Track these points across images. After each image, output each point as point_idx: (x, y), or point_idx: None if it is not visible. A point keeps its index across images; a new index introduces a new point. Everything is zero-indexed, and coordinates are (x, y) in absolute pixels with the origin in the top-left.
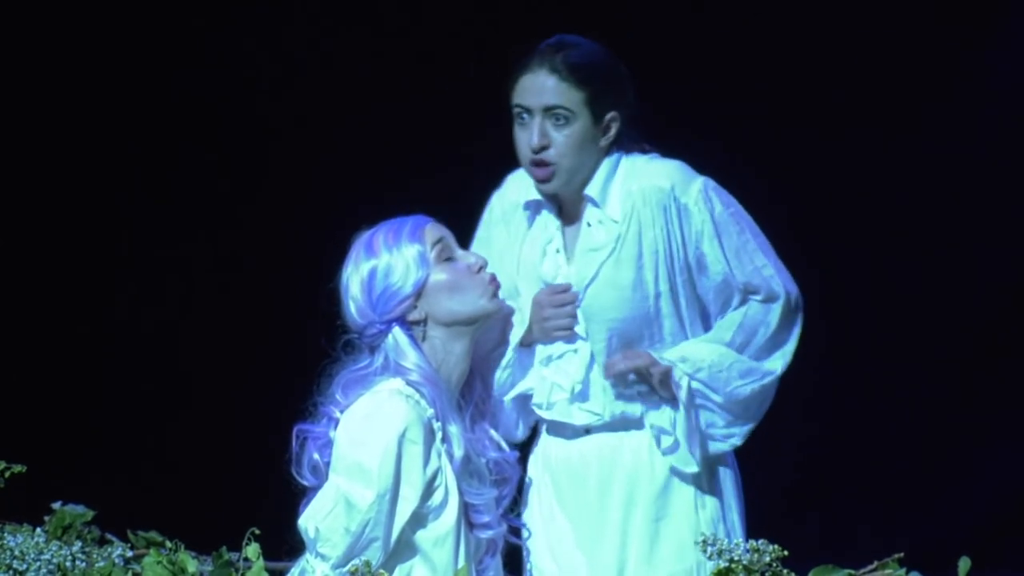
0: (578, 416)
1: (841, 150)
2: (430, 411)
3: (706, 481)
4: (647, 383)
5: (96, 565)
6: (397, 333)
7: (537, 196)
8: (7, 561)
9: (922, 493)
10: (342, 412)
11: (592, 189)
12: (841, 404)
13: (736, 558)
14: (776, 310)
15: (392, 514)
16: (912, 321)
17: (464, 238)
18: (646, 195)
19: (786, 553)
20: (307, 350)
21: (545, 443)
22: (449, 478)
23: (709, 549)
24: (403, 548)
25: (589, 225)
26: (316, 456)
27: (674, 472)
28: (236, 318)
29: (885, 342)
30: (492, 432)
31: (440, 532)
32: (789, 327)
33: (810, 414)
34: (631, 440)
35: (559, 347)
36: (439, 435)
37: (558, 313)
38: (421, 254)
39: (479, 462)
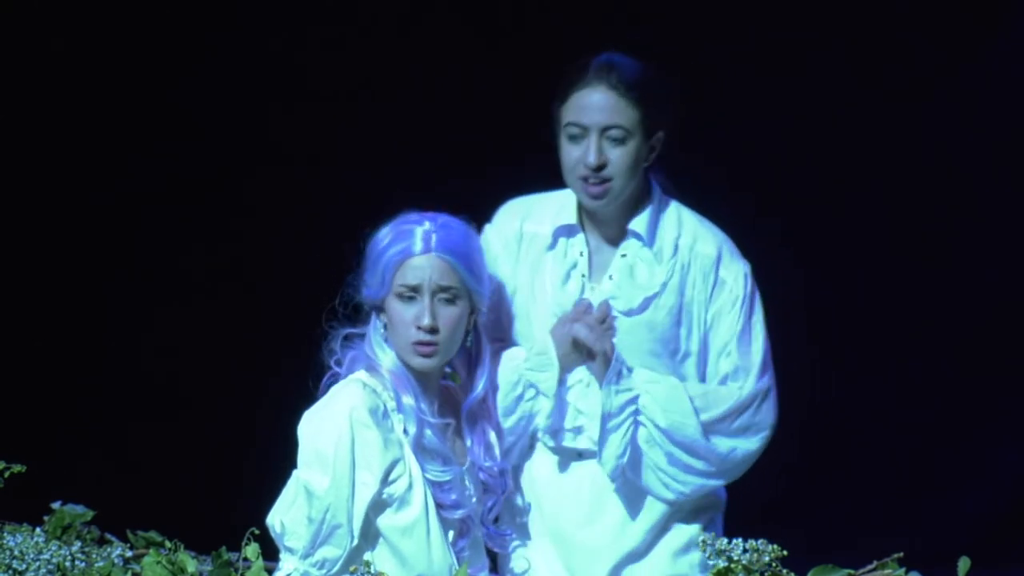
0: (582, 442)
1: (841, 150)
2: (387, 397)
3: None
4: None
5: (96, 565)
6: (376, 324)
7: (568, 221)
8: (7, 561)
9: (922, 493)
10: (333, 367)
11: (638, 225)
12: (841, 404)
13: (736, 558)
14: (744, 397)
15: (351, 499)
16: (912, 321)
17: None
18: (695, 256)
19: (785, 553)
20: (307, 350)
21: (531, 464)
22: (413, 467)
23: (709, 549)
24: (372, 538)
25: (624, 256)
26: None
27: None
28: (236, 318)
29: (885, 342)
30: (491, 436)
31: (407, 521)
32: (751, 416)
33: (810, 414)
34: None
35: (577, 374)
36: (397, 421)
37: (602, 335)
38: (385, 277)
39: (438, 441)
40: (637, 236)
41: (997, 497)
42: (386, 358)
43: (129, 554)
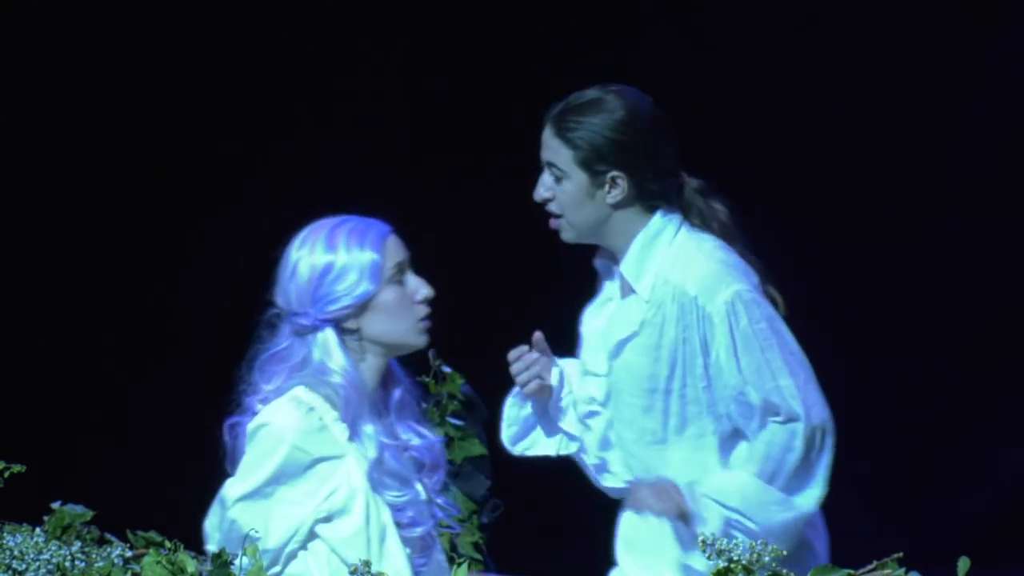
0: (609, 480)
1: (842, 149)
2: (333, 414)
3: None
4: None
5: (95, 565)
6: (329, 335)
7: (601, 257)
8: (6, 561)
9: (922, 493)
10: (264, 403)
11: (626, 266)
12: (841, 404)
13: (736, 558)
14: (799, 433)
15: (267, 514)
16: (912, 321)
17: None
18: (674, 294)
19: (784, 553)
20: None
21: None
22: (355, 480)
23: (708, 549)
24: (318, 546)
25: (624, 297)
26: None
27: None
28: (236, 319)
29: (885, 342)
30: (414, 424)
31: (347, 532)
32: (817, 454)
33: None
34: None
35: (583, 411)
36: (344, 436)
37: (522, 371)
38: (377, 266)
39: (397, 464)
40: (623, 278)
41: (997, 497)
42: (344, 373)
43: (129, 554)
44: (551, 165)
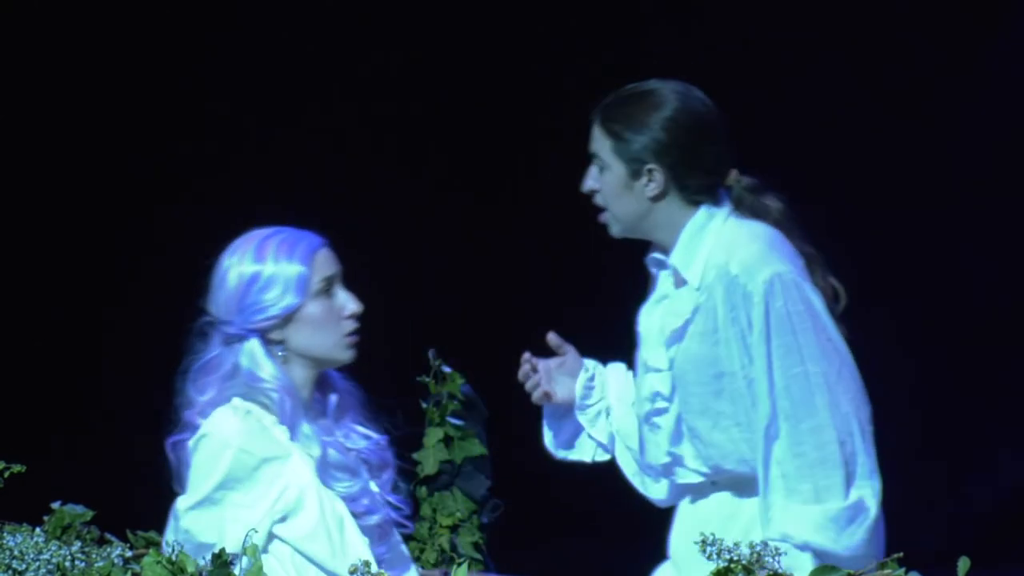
0: (691, 477)
1: (841, 149)
2: (271, 418)
3: None
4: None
5: (95, 565)
6: (255, 345)
7: (653, 254)
8: (6, 561)
9: (922, 493)
10: (202, 416)
11: (675, 256)
12: None
13: (736, 558)
14: (826, 432)
15: (220, 520)
16: (912, 321)
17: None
18: (720, 274)
19: (784, 553)
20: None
21: (685, 504)
22: (304, 477)
23: (708, 549)
24: (278, 547)
25: (683, 287)
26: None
27: None
28: None
29: (885, 342)
30: (357, 426)
31: (306, 529)
32: (861, 443)
33: None
34: (750, 502)
35: (644, 411)
36: (285, 437)
37: (530, 383)
38: (304, 279)
39: (342, 456)
40: (674, 268)
41: (997, 497)
42: (274, 380)
43: (129, 554)
44: (595, 156)
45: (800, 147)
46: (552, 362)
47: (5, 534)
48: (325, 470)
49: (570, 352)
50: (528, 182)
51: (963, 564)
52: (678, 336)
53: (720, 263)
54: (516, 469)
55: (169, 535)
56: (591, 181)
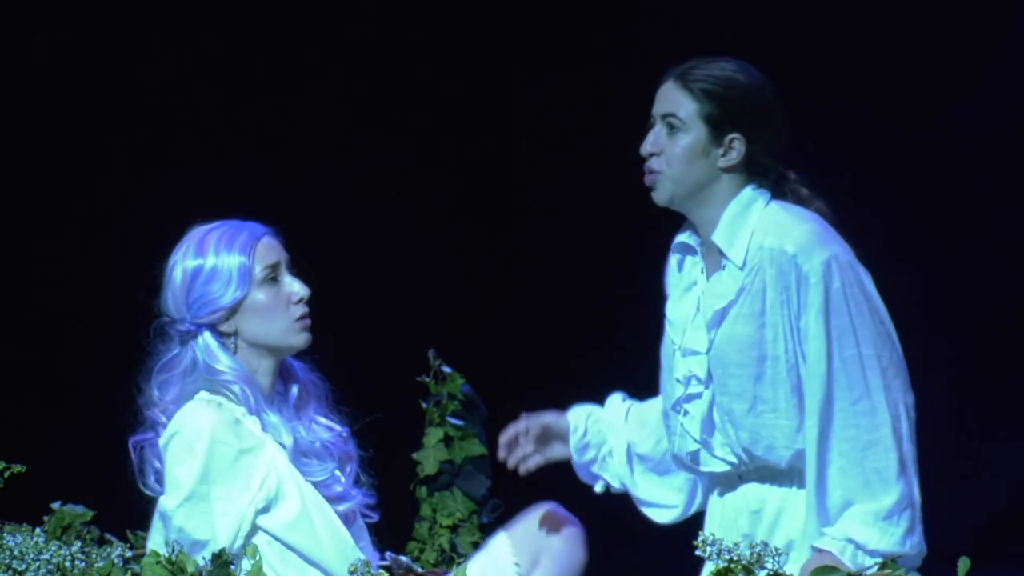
0: (718, 465)
1: (840, 149)
2: (240, 409)
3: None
4: None
5: (95, 565)
6: (208, 338)
7: (683, 240)
8: (6, 561)
9: (922, 493)
10: (166, 414)
11: (719, 235)
12: None
13: (736, 558)
14: (879, 414)
15: (209, 514)
16: (912, 320)
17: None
18: (773, 255)
19: (784, 553)
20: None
21: (713, 498)
22: (281, 466)
23: (708, 549)
24: (263, 540)
25: (723, 269)
26: (158, 464)
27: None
28: None
29: None
30: (319, 417)
31: (289, 517)
32: (909, 430)
33: None
34: (776, 493)
35: (676, 395)
36: (258, 427)
37: (512, 459)
38: (246, 269)
39: (310, 443)
40: (718, 248)
41: (997, 497)
42: (232, 371)
43: (129, 554)
44: (670, 117)
45: (798, 146)
46: (536, 429)
47: (5, 534)
48: (297, 458)
49: (549, 419)
50: (529, 181)
51: (963, 564)
52: (720, 318)
53: (772, 244)
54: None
55: (156, 538)
56: (651, 145)
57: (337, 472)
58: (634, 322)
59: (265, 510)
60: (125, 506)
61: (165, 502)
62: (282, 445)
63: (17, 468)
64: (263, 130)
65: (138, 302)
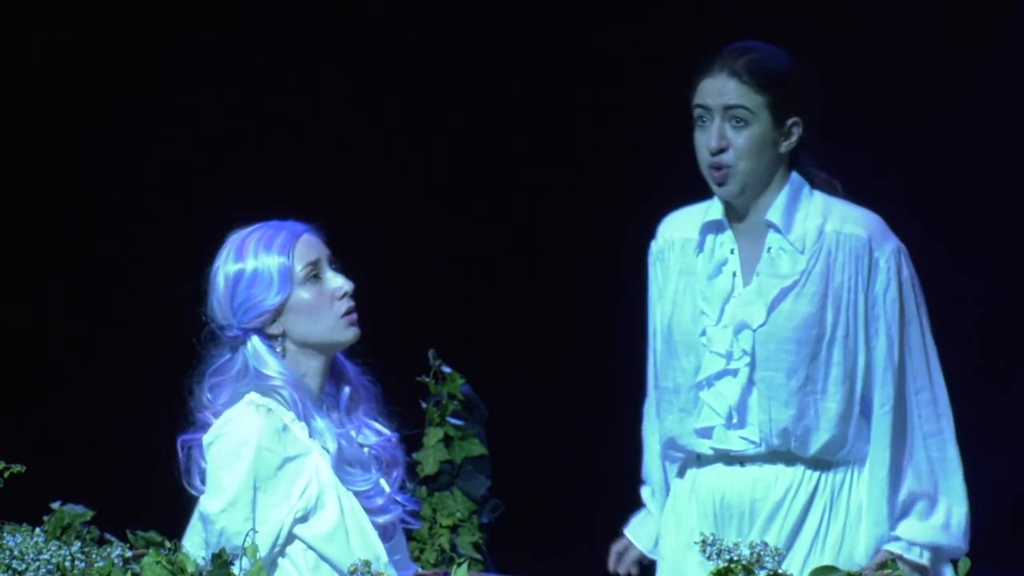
0: (735, 443)
1: (841, 149)
2: (289, 415)
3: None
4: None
5: (95, 565)
6: (256, 342)
7: (714, 217)
8: (6, 561)
9: None
10: (216, 415)
11: (774, 215)
12: None
13: (736, 558)
14: (941, 405)
15: (249, 522)
16: None
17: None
18: (841, 239)
19: (784, 553)
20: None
21: (695, 475)
22: (324, 475)
23: (708, 549)
24: (297, 550)
25: (770, 250)
26: (203, 464)
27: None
28: None
29: None
30: (369, 420)
31: (326, 528)
32: (950, 429)
33: None
34: (786, 476)
35: (716, 368)
36: (305, 434)
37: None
38: (287, 269)
39: (356, 451)
40: (774, 227)
41: (997, 497)
42: (281, 376)
43: (129, 554)
44: (735, 109)
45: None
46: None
47: (5, 534)
48: (340, 466)
49: (633, 557)
50: (529, 181)
51: (963, 564)
52: (781, 296)
53: (841, 228)
54: (516, 469)
55: (194, 539)
56: (723, 136)
57: (382, 482)
58: (634, 322)
59: (303, 519)
60: (125, 506)
61: (208, 504)
62: (326, 450)
63: (17, 468)
64: (263, 130)
65: (138, 302)
